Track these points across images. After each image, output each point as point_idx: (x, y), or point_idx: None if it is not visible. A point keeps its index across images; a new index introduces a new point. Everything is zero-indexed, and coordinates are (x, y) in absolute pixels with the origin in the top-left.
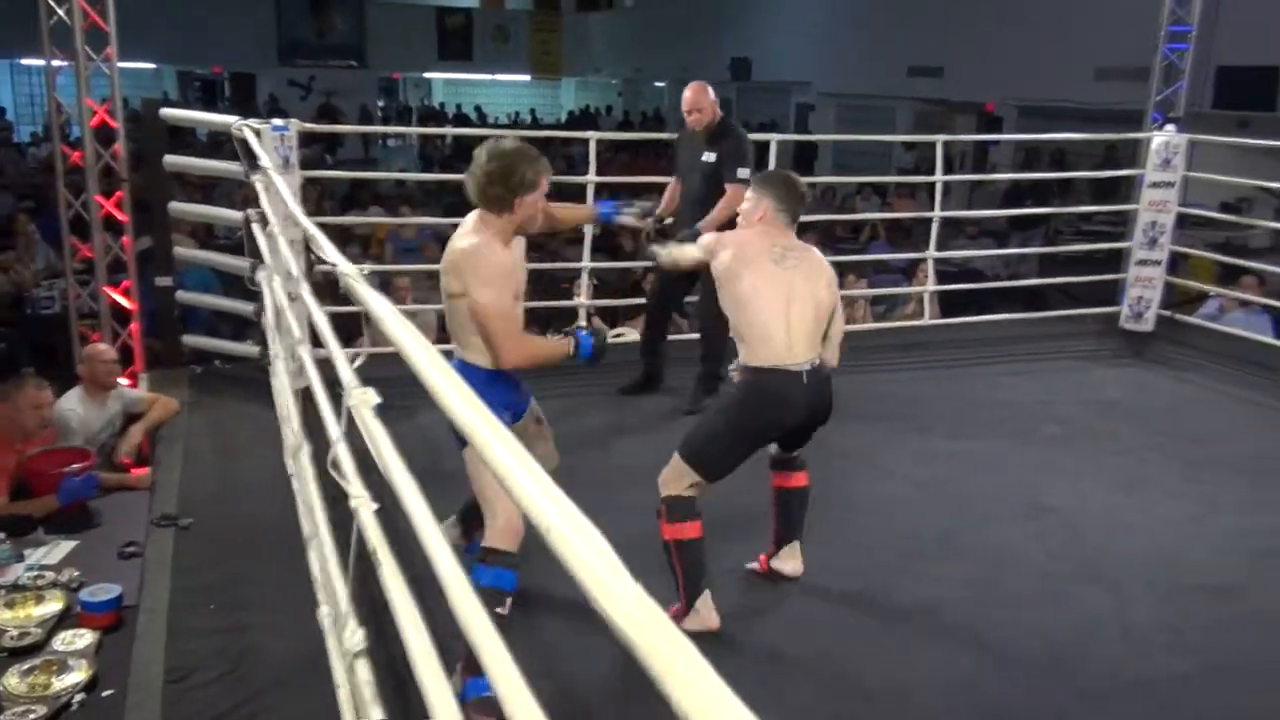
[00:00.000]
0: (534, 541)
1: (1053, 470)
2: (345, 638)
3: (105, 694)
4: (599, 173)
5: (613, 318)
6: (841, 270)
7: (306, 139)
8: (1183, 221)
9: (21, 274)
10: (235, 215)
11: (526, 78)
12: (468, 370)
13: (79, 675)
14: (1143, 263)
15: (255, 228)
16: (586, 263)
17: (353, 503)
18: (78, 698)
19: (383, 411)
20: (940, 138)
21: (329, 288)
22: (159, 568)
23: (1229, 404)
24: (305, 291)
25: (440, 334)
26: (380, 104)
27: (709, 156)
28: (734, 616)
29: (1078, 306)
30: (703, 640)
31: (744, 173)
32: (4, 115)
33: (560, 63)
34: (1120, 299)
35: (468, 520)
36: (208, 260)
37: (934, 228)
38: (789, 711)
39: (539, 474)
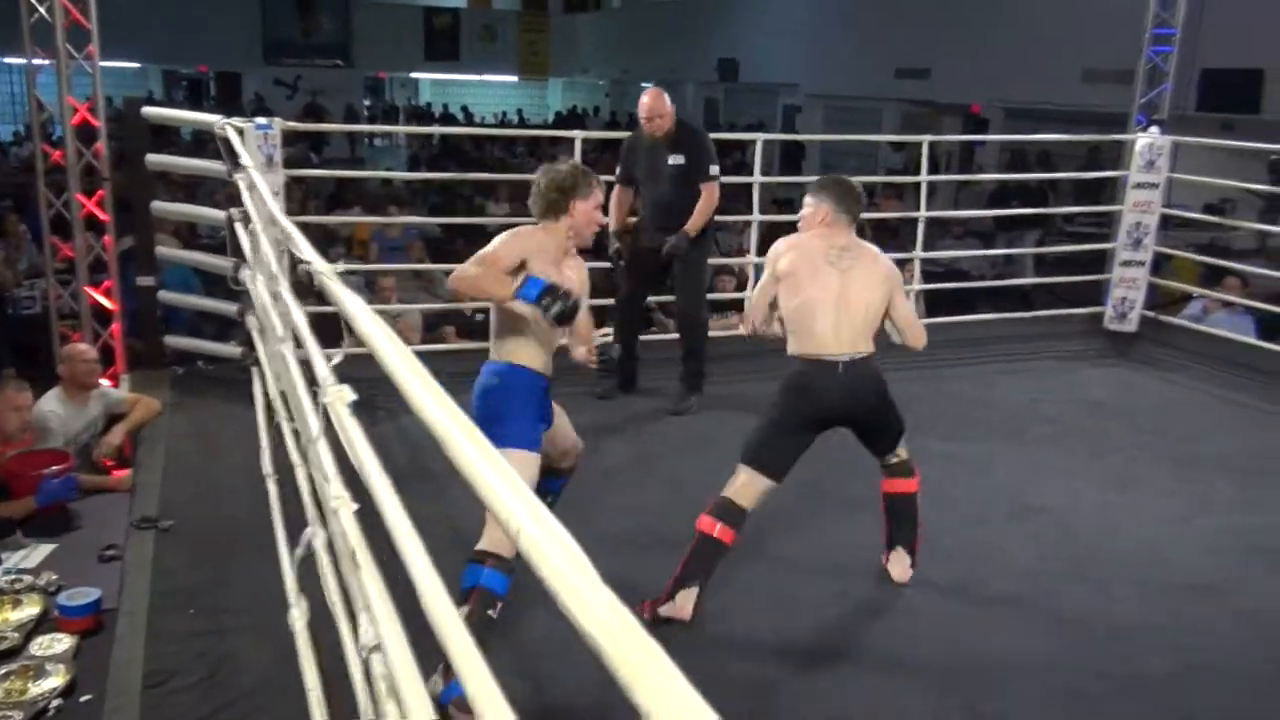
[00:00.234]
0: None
1: (1041, 470)
2: (360, 633)
3: (83, 699)
4: None
5: (599, 318)
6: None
7: (291, 138)
8: (1166, 223)
9: (2, 273)
10: (218, 214)
11: (514, 78)
12: (516, 372)
13: (56, 680)
14: (1127, 263)
15: (238, 227)
16: None
17: (331, 503)
18: (55, 703)
19: (367, 413)
20: (926, 138)
21: (313, 287)
22: (139, 571)
23: (1214, 404)
24: (285, 291)
25: (426, 334)
26: (366, 103)
27: (676, 160)
28: (716, 618)
29: (1063, 307)
30: (690, 642)
31: (715, 170)
32: None
33: (547, 63)
34: (1105, 300)
35: None
36: (190, 260)
37: (920, 228)
38: (770, 714)
39: (510, 476)
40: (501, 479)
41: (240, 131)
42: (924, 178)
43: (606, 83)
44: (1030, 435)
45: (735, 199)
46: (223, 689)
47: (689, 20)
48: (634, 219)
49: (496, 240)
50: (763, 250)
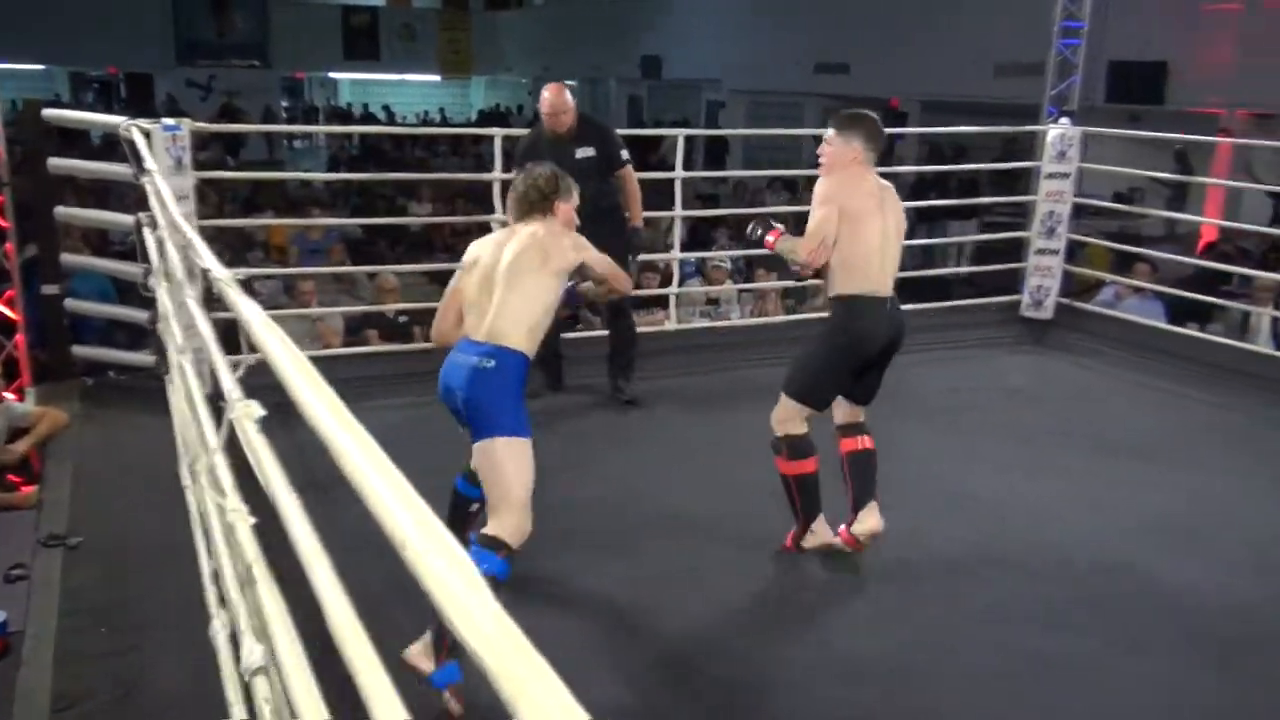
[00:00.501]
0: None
1: (962, 457)
2: (243, 654)
3: None
4: (508, 171)
5: None
6: (751, 263)
7: (207, 140)
8: (1079, 212)
9: None
10: (126, 219)
11: (435, 77)
12: (515, 355)
13: None
14: (1041, 252)
15: (146, 232)
16: None
17: (229, 517)
18: None
19: (281, 419)
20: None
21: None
22: (46, 590)
23: (1126, 388)
24: (190, 298)
25: (348, 337)
26: (285, 104)
27: (585, 153)
28: (628, 613)
29: (981, 296)
30: (626, 633)
31: (625, 154)
32: None
33: (469, 62)
34: (1021, 288)
35: (452, 528)
36: (96, 266)
37: None
38: (687, 704)
39: (400, 485)
40: (391, 489)
41: (147, 134)
42: None
43: (530, 81)
44: (950, 423)
45: (659, 194)
46: (137, 709)
47: (611, 17)
48: None
49: (593, 252)
50: (689, 246)
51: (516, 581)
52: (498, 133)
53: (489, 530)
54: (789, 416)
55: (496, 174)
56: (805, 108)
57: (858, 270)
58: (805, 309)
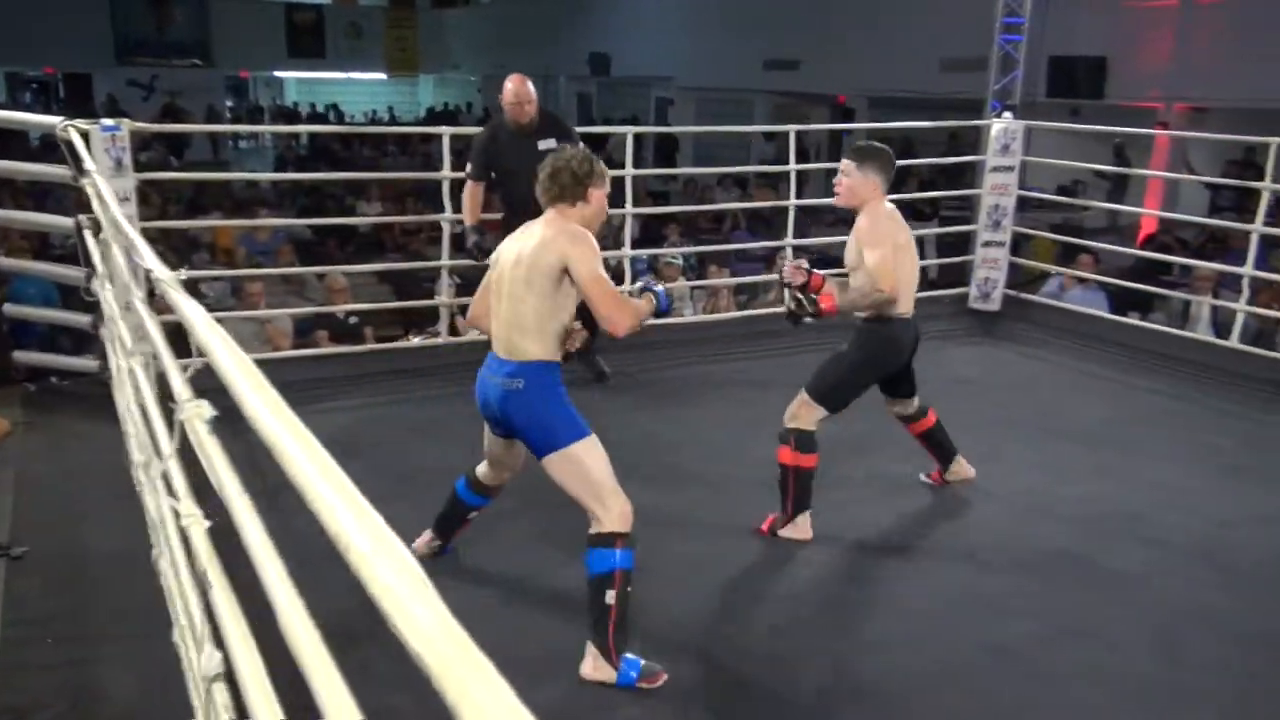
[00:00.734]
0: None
1: (910, 448)
2: (201, 661)
3: None
4: (458, 169)
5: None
6: (704, 260)
7: (149, 141)
8: (1023, 204)
9: None
10: (65, 222)
11: (383, 76)
12: (537, 368)
13: None
14: (988, 244)
15: (87, 235)
16: (446, 260)
17: (183, 521)
18: None
19: (231, 422)
20: (793, 128)
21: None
22: None
23: (1072, 377)
24: (138, 300)
25: (298, 339)
26: (229, 104)
27: (548, 146)
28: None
29: (929, 289)
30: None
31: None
32: None
33: (416, 60)
34: (969, 280)
35: (443, 529)
36: (35, 270)
37: (791, 216)
38: (654, 708)
39: (343, 485)
40: (334, 490)
41: (85, 134)
42: (793, 167)
43: (479, 78)
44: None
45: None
46: None
47: (560, 15)
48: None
49: (596, 263)
50: (640, 243)
51: (488, 579)
52: (447, 131)
53: (595, 529)
54: (805, 414)
55: (446, 173)
56: (755, 104)
57: (902, 296)
58: (757, 305)
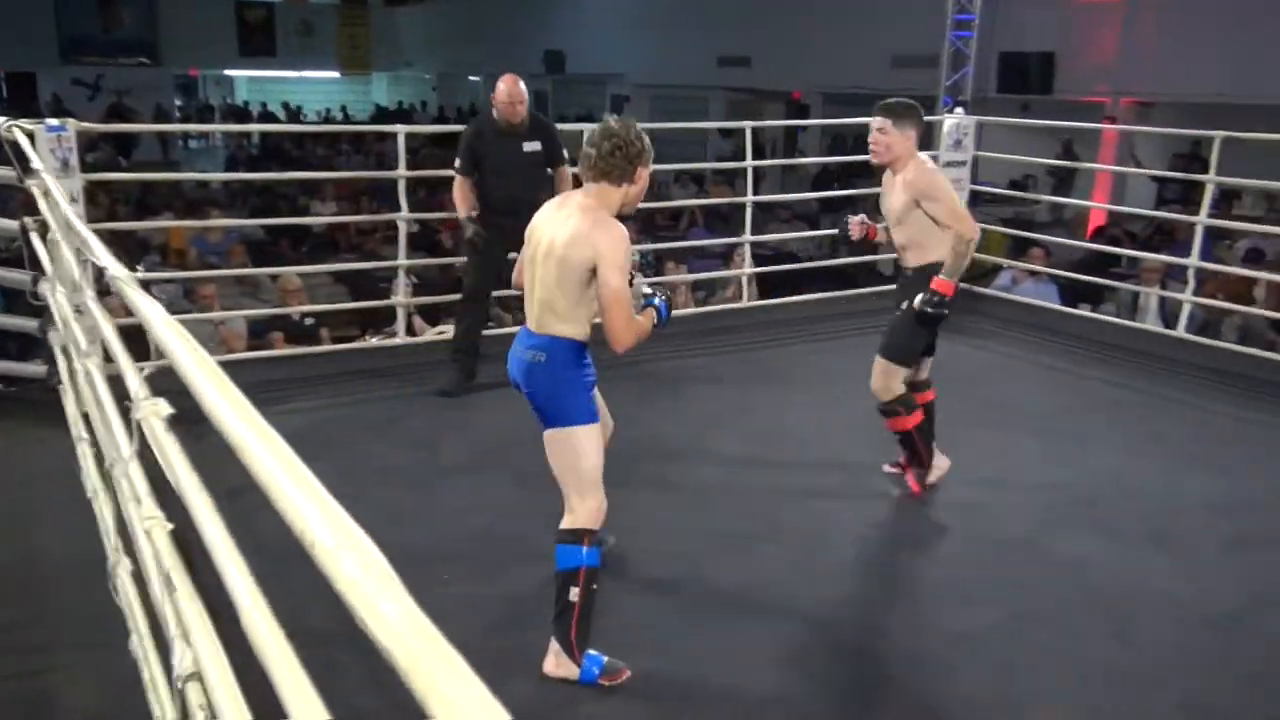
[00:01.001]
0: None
1: (868, 440)
2: (175, 662)
3: None
4: (413, 168)
5: (434, 316)
6: (661, 257)
7: (95, 141)
8: (976, 199)
9: None
10: (9, 224)
11: (335, 74)
12: (563, 344)
13: None
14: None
15: (34, 237)
16: (403, 260)
17: (144, 524)
18: None
19: (191, 424)
20: (749, 124)
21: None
22: None
23: (1024, 368)
24: (91, 302)
25: (252, 341)
26: (178, 103)
27: (532, 147)
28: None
29: (887, 283)
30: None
31: (566, 152)
32: None
33: (369, 58)
34: None
35: None
36: None
37: (748, 212)
38: (616, 700)
39: (307, 482)
40: (298, 486)
41: (30, 134)
42: (749, 163)
43: (433, 76)
44: (856, 407)
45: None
46: None
47: (513, 13)
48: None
49: (619, 274)
50: None
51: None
52: (401, 130)
53: (566, 524)
54: (892, 381)
55: (401, 171)
56: (710, 101)
57: (945, 241)
58: (715, 301)
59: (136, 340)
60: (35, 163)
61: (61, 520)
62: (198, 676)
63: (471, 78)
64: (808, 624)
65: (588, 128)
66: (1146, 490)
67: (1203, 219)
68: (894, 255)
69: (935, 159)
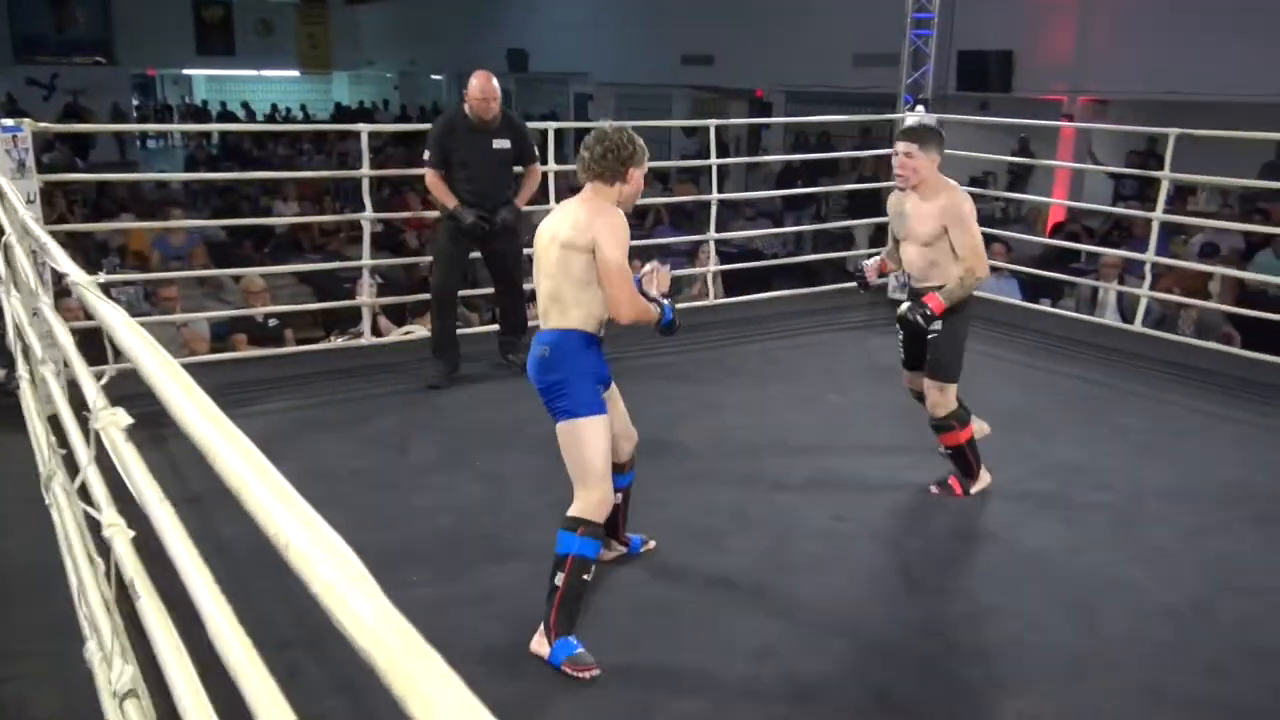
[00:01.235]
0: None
1: (833, 435)
2: (113, 678)
3: None
4: (376, 167)
5: (400, 316)
6: (628, 255)
7: (50, 141)
8: None
9: None
10: None
11: (295, 73)
12: (568, 336)
13: None
14: None
15: None
16: (367, 260)
17: (106, 531)
18: None
19: (153, 429)
20: (713, 122)
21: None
22: None
23: (987, 362)
24: (46, 307)
25: (215, 343)
26: (135, 103)
27: (502, 144)
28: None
29: (851, 280)
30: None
31: (535, 151)
32: None
33: (329, 56)
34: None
35: (608, 525)
36: None
37: (713, 210)
38: (588, 699)
39: (278, 484)
40: (268, 489)
41: None
42: (714, 161)
43: (395, 75)
44: (824, 403)
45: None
46: None
47: (476, 11)
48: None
49: (619, 250)
50: None
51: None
52: (365, 129)
53: (571, 510)
54: (948, 398)
55: (365, 170)
56: (674, 99)
57: (957, 267)
58: (681, 299)
59: (95, 342)
60: None
61: (20, 526)
62: (134, 694)
63: (434, 76)
64: (777, 617)
65: (554, 126)
66: (1108, 482)
67: (1158, 215)
68: (861, 252)
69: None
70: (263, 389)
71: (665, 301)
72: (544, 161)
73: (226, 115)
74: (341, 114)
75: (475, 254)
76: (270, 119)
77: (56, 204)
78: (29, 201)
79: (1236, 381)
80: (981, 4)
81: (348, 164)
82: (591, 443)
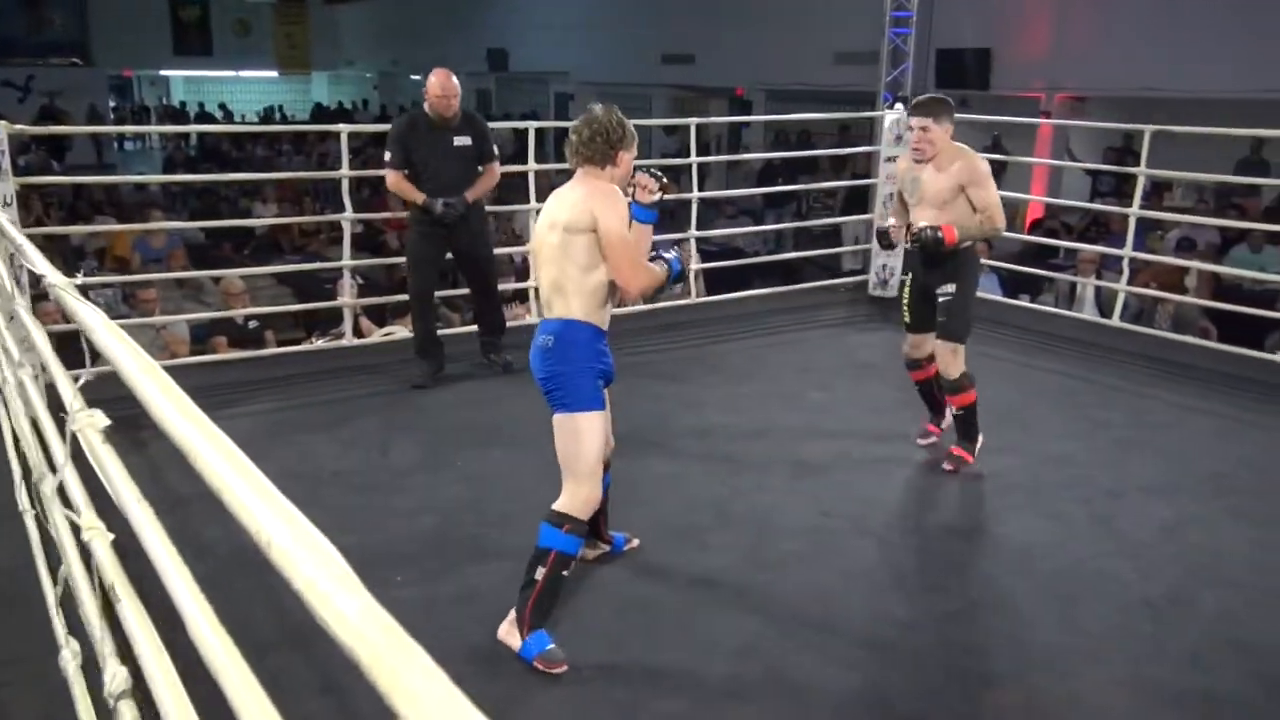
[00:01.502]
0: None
1: (814, 431)
2: (106, 679)
3: None
4: (356, 168)
5: (380, 317)
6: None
7: (26, 144)
8: None
9: None
10: None
11: (273, 73)
12: (571, 326)
13: None
14: None
15: None
16: (348, 261)
17: (85, 535)
18: None
19: (132, 431)
20: (694, 120)
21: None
22: None
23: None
24: (22, 310)
25: (195, 346)
26: (113, 104)
27: (463, 142)
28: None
29: (831, 277)
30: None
31: (496, 150)
32: None
33: (307, 57)
34: (868, 268)
35: (591, 526)
36: None
37: (694, 208)
38: (571, 698)
39: (259, 482)
40: (250, 488)
41: None
42: (694, 159)
43: (375, 75)
44: (806, 400)
45: (511, 188)
46: None
47: (456, 10)
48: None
49: (620, 222)
50: None
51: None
52: (344, 129)
53: (557, 505)
54: (959, 358)
55: (345, 171)
56: (654, 98)
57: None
58: (663, 297)
59: (71, 344)
60: None
61: None
62: (129, 694)
63: (414, 76)
64: (760, 614)
65: (534, 125)
66: (1089, 475)
67: (1135, 210)
68: (849, 249)
69: (877, 154)
70: (244, 391)
71: (669, 255)
72: (524, 161)
73: (204, 116)
74: (321, 114)
75: (449, 253)
76: (266, 120)
77: (33, 207)
78: (5, 204)
79: (1214, 375)
80: (959, 2)
81: (327, 165)
82: (588, 441)
